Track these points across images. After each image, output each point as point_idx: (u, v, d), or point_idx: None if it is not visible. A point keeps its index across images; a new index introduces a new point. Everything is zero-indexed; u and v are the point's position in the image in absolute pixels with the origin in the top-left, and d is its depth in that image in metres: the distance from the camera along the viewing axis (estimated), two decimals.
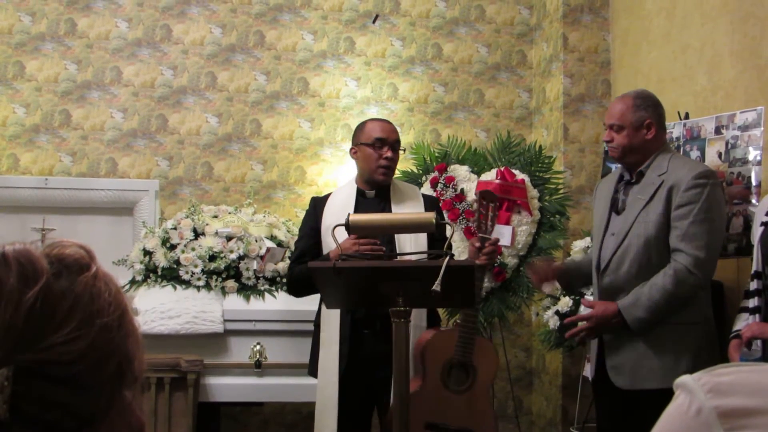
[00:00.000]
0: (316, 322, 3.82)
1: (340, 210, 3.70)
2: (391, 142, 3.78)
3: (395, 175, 3.96)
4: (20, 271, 0.92)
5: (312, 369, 3.84)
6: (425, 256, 3.45)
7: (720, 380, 0.97)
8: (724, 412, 0.95)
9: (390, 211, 3.76)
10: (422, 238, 3.73)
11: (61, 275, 0.94)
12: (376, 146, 3.77)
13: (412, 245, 3.69)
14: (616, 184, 3.66)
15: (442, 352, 3.61)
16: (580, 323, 3.56)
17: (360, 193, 3.84)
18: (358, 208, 3.74)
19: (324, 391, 3.66)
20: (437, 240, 3.74)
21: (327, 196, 3.95)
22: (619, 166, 3.73)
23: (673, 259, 3.40)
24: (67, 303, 0.92)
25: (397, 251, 3.64)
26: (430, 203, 3.91)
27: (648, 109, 3.56)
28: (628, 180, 3.61)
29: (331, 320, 3.66)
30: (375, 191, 3.83)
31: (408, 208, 3.76)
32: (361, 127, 3.90)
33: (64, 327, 0.91)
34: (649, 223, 3.45)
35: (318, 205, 3.89)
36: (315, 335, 3.83)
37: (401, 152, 3.87)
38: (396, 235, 3.70)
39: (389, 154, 3.77)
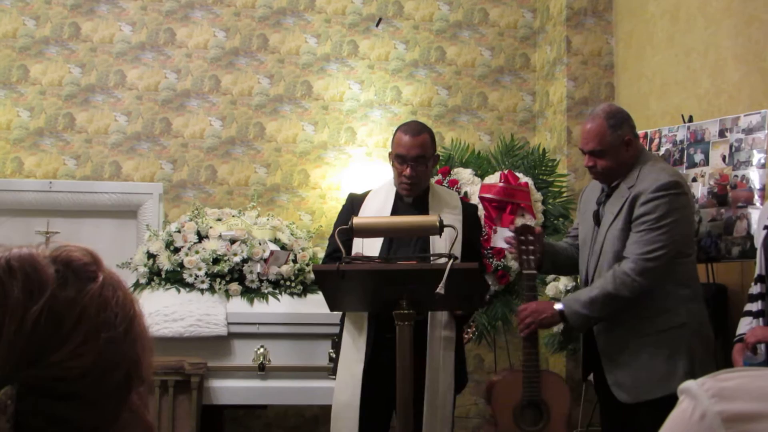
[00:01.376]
0: (342, 320, 3.74)
1: (377, 212, 3.64)
2: (411, 159, 3.60)
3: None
4: (25, 282, 0.90)
5: (333, 369, 3.79)
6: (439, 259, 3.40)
7: (724, 385, 0.97)
8: (729, 417, 0.95)
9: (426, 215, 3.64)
10: (456, 242, 3.52)
11: (68, 283, 0.92)
12: (397, 161, 3.66)
13: (445, 250, 3.53)
14: (599, 195, 3.66)
15: (509, 394, 3.54)
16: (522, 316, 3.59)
17: (398, 197, 3.73)
18: (396, 213, 3.66)
19: (343, 393, 3.59)
20: (471, 245, 3.62)
21: (365, 195, 3.84)
22: None
23: (616, 264, 3.42)
24: (73, 315, 0.90)
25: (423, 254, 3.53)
26: (469, 213, 3.79)
27: (623, 125, 3.51)
28: (608, 192, 3.61)
29: (356, 323, 3.59)
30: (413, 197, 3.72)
31: (445, 217, 3.58)
32: (395, 133, 3.77)
33: (69, 342, 0.89)
34: (615, 239, 3.47)
35: (355, 202, 3.79)
36: (339, 335, 3.77)
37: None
38: (431, 240, 3.57)
39: (407, 172, 3.61)
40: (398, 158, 3.64)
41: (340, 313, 3.72)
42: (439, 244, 3.55)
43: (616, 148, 3.48)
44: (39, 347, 0.88)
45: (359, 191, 3.98)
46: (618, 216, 3.47)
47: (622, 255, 3.44)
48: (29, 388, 0.87)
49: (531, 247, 3.57)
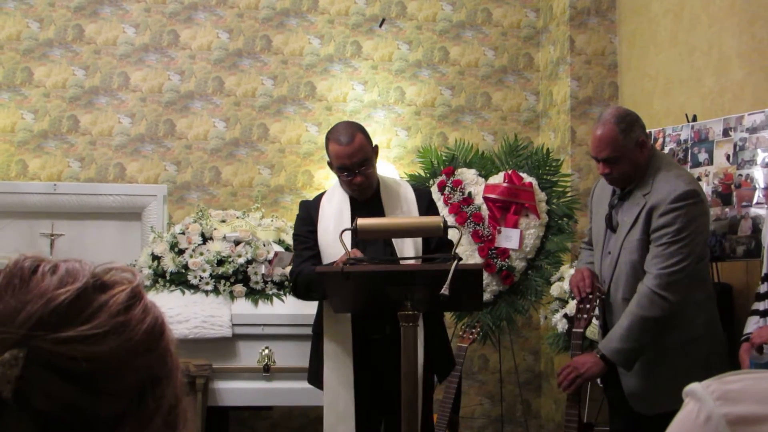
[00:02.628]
0: (316, 330, 3.68)
1: (337, 214, 3.59)
2: (356, 165, 3.50)
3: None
4: (63, 278, 0.96)
5: (313, 378, 3.70)
6: (435, 259, 3.39)
7: (729, 387, 0.97)
8: (734, 420, 0.95)
9: (383, 212, 3.58)
10: (420, 240, 3.55)
11: (103, 291, 0.97)
12: (343, 174, 3.55)
13: (411, 249, 3.54)
14: (611, 198, 3.62)
15: None
16: (564, 374, 3.47)
17: (352, 197, 3.67)
18: (354, 212, 3.58)
19: (335, 406, 3.49)
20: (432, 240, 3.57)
21: (318, 200, 3.76)
22: None
23: (640, 283, 3.38)
24: (96, 306, 0.95)
25: (397, 254, 3.53)
26: (423, 198, 3.69)
27: (635, 127, 3.46)
28: (620, 195, 3.57)
29: (338, 328, 3.53)
30: None
31: (400, 208, 3.59)
32: (326, 143, 3.63)
33: (85, 324, 0.92)
34: (633, 249, 3.44)
35: (311, 208, 3.72)
36: (314, 342, 3.70)
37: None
38: (394, 241, 3.54)
39: (357, 180, 3.53)
40: (342, 170, 3.53)
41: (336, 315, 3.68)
42: (405, 244, 3.53)
43: (631, 152, 3.43)
44: (56, 322, 0.91)
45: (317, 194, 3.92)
46: (635, 226, 3.43)
47: (638, 265, 3.41)
48: (38, 359, 0.89)
49: (588, 306, 3.52)
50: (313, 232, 3.66)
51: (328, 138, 3.60)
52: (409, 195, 3.68)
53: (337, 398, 3.51)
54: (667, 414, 3.41)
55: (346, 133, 3.55)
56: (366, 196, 3.62)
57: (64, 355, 0.90)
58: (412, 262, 3.48)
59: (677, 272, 3.33)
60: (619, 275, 3.49)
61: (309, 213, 3.72)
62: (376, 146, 3.67)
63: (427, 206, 3.66)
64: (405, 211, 3.61)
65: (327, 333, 3.56)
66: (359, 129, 3.61)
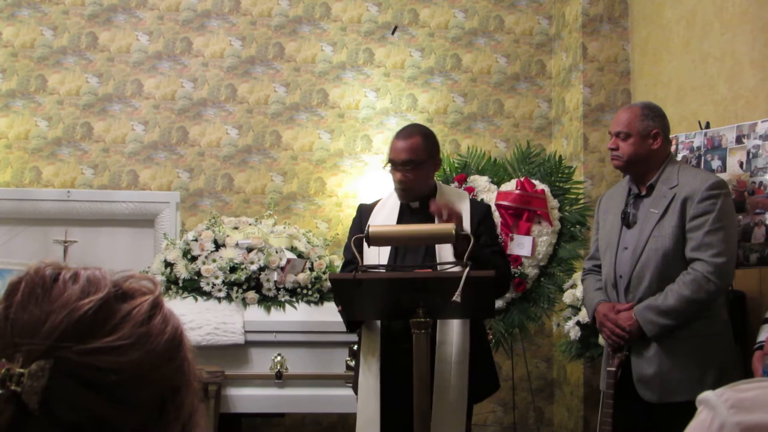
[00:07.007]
0: (360, 334, 3.64)
1: (384, 221, 3.56)
2: (400, 163, 3.49)
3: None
4: (84, 287, 0.96)
5: (354, 384, 3.68)
6: (448, 266, 3.34)
7: (742, 396, 0.97)
8: (747, 428, 0.95)
9: (433, 222, 3.46)
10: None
11: (124, 301, 0.97)
12: (391, 166, 3.55)
13: (452, 258, 3.40)
14: (626, 198, 3.65)
15: None
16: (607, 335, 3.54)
17: (405, 203, 3.63)
18: (402, 220, 3.57)
19: (365, 412, 3.46)
20: (484, 243, 3.47)
21: (374, 204, 3.75)
22: (626, 178, 3.72)
23: (690, 268, 3.39)
24: (119, 317, 0.95)
25: (438, 262, 3.43)
26: (477, 211, 3.61)
27: (655, 119, 3.58)
28: (637, 193, 3.60)
29: (371, 334, 3.50)
30: (419, 201, 3.57)
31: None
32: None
33: (110, 335, 0.93)
34: (665, 237, 3.45)
35: (364, 213, 3.70)
36: (358, 349, 3.68)
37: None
38: (437, 247, 3.47)
39: (398, 177, 3.52)
40: (390, 163, 3.55)
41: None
42: (446, 251, 3.45)
43: (642, 137, 3.54)
44: (81, 334, 0.92)
45: (376, 199, 3.87)
46: (665, 216, 3.47)
47: (671, 252, 3.44)
48: (63, 370, 0.90)
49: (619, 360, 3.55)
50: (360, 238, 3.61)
51: (395, 135, 3.65)
52: (464, 207, 3.58)
53: (365, 406, 3.48)
54: (673, 404, 3.41)
55: (408, 131, 3.59)
56: (406, 199, 3.58)
57: (90, 366, 0.90)
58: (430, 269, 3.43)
59: (729, 262, 3.40)
60: (645, 264, 3.48)
61: (360, 218, 3.71)
62: (439, 159, 3.67)
63: (479, 221, 3.57)
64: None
65: (363, 339, 3.54)
66: (423, 133, 3.59)
